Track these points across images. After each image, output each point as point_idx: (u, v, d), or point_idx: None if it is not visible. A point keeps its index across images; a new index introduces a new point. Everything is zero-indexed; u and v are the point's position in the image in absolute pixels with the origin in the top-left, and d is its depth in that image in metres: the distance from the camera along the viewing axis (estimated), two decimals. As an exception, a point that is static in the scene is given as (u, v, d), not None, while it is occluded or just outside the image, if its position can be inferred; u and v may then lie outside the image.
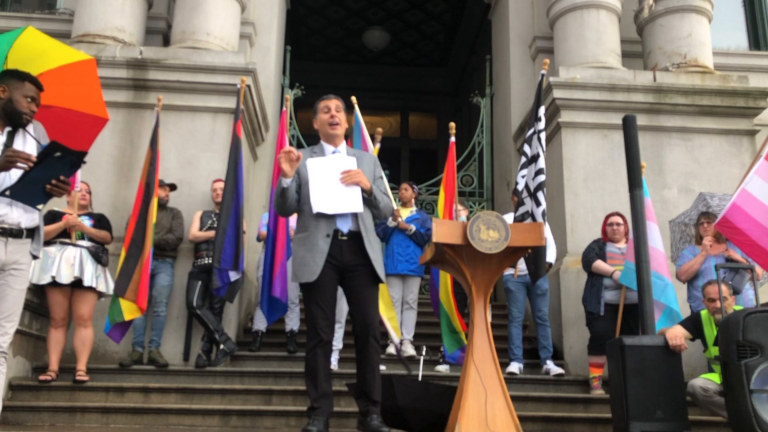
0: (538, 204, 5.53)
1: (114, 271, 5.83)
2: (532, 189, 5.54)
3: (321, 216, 3.71)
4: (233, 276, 5.73)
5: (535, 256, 5.35)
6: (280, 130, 6.52)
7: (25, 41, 3.81)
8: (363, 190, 3.75)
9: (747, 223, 4.96)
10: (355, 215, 3.76)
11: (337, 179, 3.71)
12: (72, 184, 3.33)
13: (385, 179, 4.10)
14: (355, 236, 3.76)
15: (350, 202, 3.72)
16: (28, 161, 3.10)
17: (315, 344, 3.71)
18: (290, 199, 3.77)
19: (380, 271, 3.81)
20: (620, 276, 5.57)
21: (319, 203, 3.71)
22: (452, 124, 6.57)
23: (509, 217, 6.02)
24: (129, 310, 5.43)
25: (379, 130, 6.59)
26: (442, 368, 5.95)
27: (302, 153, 3.85)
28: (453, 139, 6.48)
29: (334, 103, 3.92)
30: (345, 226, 3.75)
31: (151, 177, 5.75)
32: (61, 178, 3.19)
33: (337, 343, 5.93)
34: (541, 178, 5.57)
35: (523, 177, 5.71)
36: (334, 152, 3.90)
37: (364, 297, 3.79)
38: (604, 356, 5.20)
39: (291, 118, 8.64)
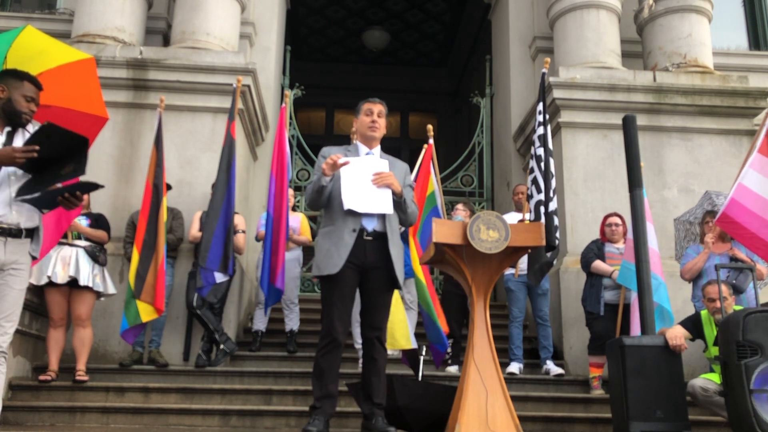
0: (530, 197, 5.73)
1: (113, 270, 5.84)
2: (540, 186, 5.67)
3: (349, 212, 3.75)
4: (219, 278, 5.69)
5: (535, 255, 5.40)
6: (279, 127, 6.51)
7: (25, 40, 3.81)
8: (394, 193, 3.78)
9: (746, 216, 4.98)
10: (381, 216, 3.80)
11: (369, 179, 3.76)
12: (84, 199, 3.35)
13: (412, 189, 4.14)
14: (380, 237, 3.79)
15: (381, 203, 3.76)
16: (32, 152, 3.10)
17: (327, 344, 3.72)
18: (325, 196, 3.81)
19: (399, 274, 3.81)
20: (618, 276, 5.57)
21: (350, 201, 3.74)
22: (429, 126, 6.44)
23: (509, 217, 6.03)
24: (146, 312, 5.43)
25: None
26: (453, 369, 5.94)
27: (338, 150, 3.92)
28: (431, 141, 6.29)
29: (377, 108, 3.97)
30: (370, 225, 3.78)
31: (158, 178, 5.74)
32: (77, 194, 3.21)
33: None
34: (531, 176, 5.78)
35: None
36: (367, 154, 3.96)
37: (377, 300, 3.81)
38: (604, 356, 5.20)
39: (291, 118, 8.64)
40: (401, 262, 3.87)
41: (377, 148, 4.01)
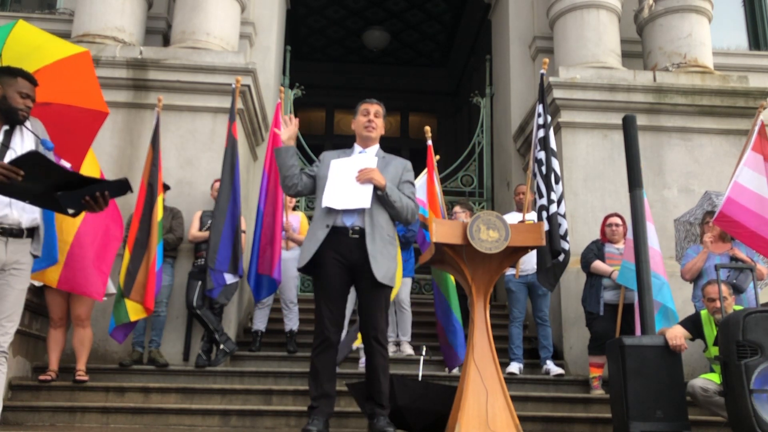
0: (540, 196, 5.66)
1: (113, 270, 5.83)
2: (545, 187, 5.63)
3: (329, 209, 3.77)
4: (229, 279, 5.70)
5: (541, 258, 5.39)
6: (273, 123, 6.53)
7: (18, 37, 3.77)
8: (377, 188, 3.76)
9: (743, 214, 4.99)
10: (362, 211, 3.76)
11: (353, 177, 3.77)
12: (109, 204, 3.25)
13: (414, 186, 4.07)
14: (362, 233, 3.75)
15: (359, 198, 3.75)
16: (13, 174, 2.95)
17: (319, 344, 3.72)
18: (285, 167, 3.88)
19: (379, 272, 3.68)
20: (618, 276, 5.56)
21: (329, 198, 3.77)
22: (427, 128, 6.46)
23: (510, 217, 6.03)
24: (134, 311, 5.43)
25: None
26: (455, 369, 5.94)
27: (333, 153, 4.00)
28: (429, 142, 6.38)
29: (374, 108, 4.00)
30: (349, 221, 3.76)
31: (153, 177, 5.74)
32: (106, 193, 3.11)
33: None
34: (535, 180, 5.76)
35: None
36: (360, 152, 3.98)
37: (367, 299, 3.79)
38: (604, 356, 5.20)
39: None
40: (388, 258, 3.74)
41: (373, 148, 4.00)
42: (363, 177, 3.74)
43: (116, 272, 5.81)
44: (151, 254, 5.52)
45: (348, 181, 3.78)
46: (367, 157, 3.93)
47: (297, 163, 3.94)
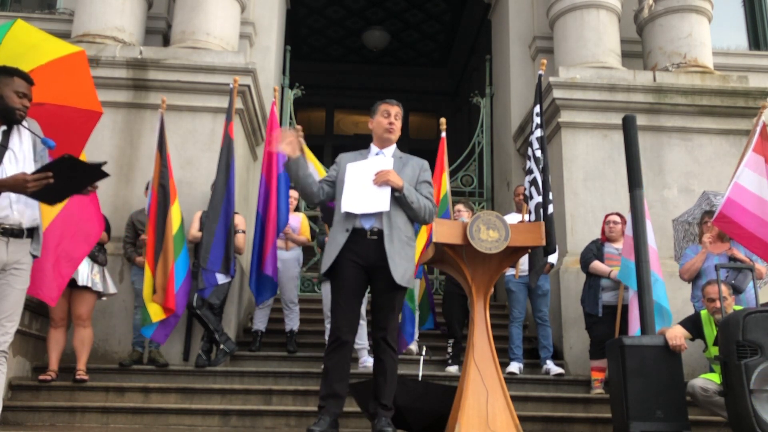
0: (531, 197, 5.70)
1: (113, 270, 5.85)
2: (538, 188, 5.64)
3: (348, 213, 3.75)
4: (221, 279, 5.69)
5: (533, 256, 5.41)
6: (269, 122, 6.51)
7: (15, 36, 3.76)
8: (394, 189, 3.73)
9: (743, 215, 4.99)
10: (380, 213, 3.73)
11: (371, 180, 3.75)
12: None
13: (432, 186, 4.04)
14: (380, 234, 3.72)
15: (377, 201, 3.72)
16: (46, 180, 3.06)
17: (331, 342, 3.72)
18: (297, 180, 3.78)
19: (399, 273, 3.68)
20: (618, 273, 5.56)
21: (348, 203, 3.75)
22: (443, 120, 6.49)
23: (510, 218, 6.03)
24: (155, 312, 5.43)
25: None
26: (453, 369, 5.95)
27: (350, 156, 3.95)
28: (444, 134, 6.40)
29: (395, 110, 3.98)
30: (368, 223, 3.74)
31: (164, 178, 5.73)
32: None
33: (362, 341, 5.82)
34: (530, 177, 5.79)
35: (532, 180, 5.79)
36: (377, 154, 3.95)
37: (380, 300, 3.77)
38: (605, 360, 5.20)
39: (291, 118, 8.65)
40: (405, 259, 3.74)
41: (390, 149, 3.97)
42: (380, 179, 3.72)
43: (116, 272, 5.82)
44: (169, 256, 5.50)
45: (365, 184, 3.75)
46: (383, 158, 3.90)
47: (309, 172, 3.84)
